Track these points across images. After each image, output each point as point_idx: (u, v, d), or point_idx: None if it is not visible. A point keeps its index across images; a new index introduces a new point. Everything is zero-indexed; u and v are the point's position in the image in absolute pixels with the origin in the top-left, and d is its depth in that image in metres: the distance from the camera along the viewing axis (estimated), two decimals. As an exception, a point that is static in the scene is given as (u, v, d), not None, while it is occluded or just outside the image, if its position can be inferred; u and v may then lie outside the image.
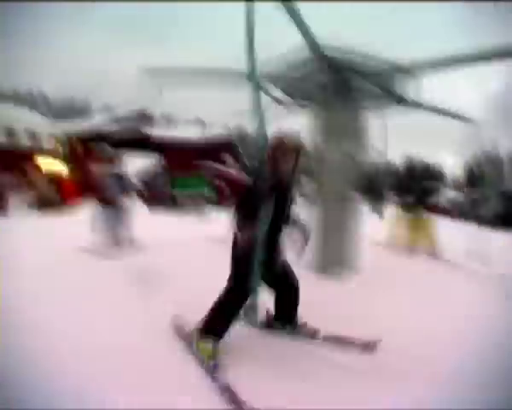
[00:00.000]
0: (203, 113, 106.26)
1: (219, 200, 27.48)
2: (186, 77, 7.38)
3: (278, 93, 8.57)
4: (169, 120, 58.75)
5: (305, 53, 6.43)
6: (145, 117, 36.99)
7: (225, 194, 27.24)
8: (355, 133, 7.73)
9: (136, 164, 29.96)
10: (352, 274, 7.21)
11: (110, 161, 9.60)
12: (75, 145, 34.49)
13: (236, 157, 38.95)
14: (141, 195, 25.97)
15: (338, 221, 7.53)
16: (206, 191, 28.66)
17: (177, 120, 61.43)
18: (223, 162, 35.20)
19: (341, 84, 7.38)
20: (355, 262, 7.53)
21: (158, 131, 33.75)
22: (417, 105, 8.48)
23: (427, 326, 4.90)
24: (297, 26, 5.23)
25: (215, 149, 34.72)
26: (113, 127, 37.58)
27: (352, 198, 7.63)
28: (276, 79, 7.83)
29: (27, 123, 33.05)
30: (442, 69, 6.88)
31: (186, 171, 28.84)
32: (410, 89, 7.85)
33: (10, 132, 30.59)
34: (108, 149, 10.09)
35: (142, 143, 32.07)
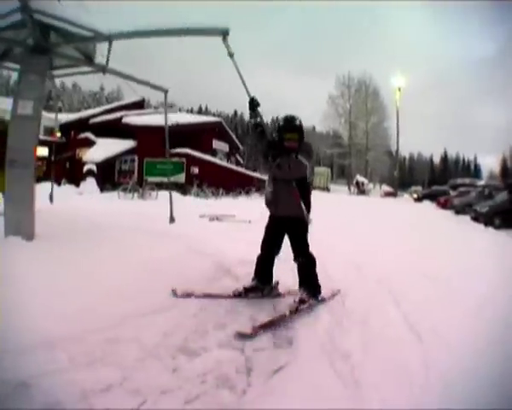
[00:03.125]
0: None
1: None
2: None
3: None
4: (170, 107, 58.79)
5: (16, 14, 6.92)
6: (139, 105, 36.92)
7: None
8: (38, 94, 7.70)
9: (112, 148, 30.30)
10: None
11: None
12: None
13: (226, 138, 39.14)
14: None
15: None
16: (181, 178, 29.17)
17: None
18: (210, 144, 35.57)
19: (40, 44, 7.50)
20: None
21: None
22: (115, 72, 9.12)
23: None
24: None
25: (203, 132, 34.71)
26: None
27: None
28: None
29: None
30: (137, 38, 7.46)
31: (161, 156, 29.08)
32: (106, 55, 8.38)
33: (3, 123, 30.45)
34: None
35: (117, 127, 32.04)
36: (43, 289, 4.76)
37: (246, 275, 5.98)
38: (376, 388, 3.32)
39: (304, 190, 5.17)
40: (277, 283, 5.68)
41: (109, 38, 7.55)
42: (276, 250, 5.51)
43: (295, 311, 4.79)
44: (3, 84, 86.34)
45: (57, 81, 10.90)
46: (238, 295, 5.44)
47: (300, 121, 5.39)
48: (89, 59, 8.81)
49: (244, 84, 6.53)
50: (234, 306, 5.13)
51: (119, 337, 3.96)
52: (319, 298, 5.25)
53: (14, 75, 10.82)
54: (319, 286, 5.29)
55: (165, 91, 10.11)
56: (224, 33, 6.85)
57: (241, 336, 4.12)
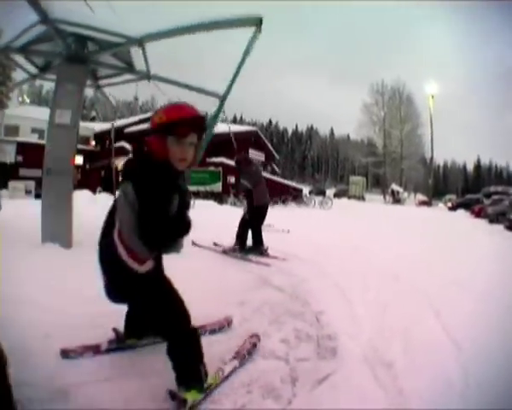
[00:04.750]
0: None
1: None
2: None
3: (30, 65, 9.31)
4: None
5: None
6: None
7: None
8: (76, 103, 7.87)
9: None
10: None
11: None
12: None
13: (262, 147, 39.17)
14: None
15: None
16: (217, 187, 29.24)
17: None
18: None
19: (76, 53, 7.77)
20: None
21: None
22: (159, 78, 9.33)
23: None
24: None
25: (239, 141, 34.81)
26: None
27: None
28: (25, 53, 8.39)
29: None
30: (168, 37, 7.50)
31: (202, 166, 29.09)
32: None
33: (41, 133, 30.97)
34: None
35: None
36: (79, 297, 4.77)
37: (289, 286, 6.03)
38: (419, 396, 3.28)
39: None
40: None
41: (141, 41, 7.54)
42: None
43: None
44: (36, 93, 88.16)
45: (91, 91, 10.97)
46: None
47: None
48: (130, 66, 8.91)
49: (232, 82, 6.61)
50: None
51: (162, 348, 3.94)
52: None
53: (46, 85, 11.04)
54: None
55: (222, 98, 9.55)
56: (257, 23, 7.00)
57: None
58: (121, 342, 3.84)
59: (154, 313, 3.05)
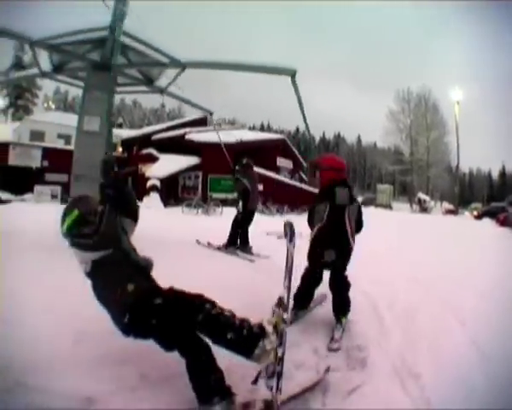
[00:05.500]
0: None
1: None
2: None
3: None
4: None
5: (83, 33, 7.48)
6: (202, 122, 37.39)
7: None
8: (105, 110, 7.99)
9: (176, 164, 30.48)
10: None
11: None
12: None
13: (290, 155, 39.04)
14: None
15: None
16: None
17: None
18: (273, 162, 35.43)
19: (104, 62, 7.95)
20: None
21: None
22: (171, 95, 10.14)
23: None
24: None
25: (267, 149, 34.65)
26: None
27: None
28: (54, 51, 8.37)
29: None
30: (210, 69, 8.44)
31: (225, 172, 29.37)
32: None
33: (67, 139, 31.33)
34: None
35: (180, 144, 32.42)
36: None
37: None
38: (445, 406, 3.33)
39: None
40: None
41: (184, 66, 7.73)
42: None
43: None
44: (61, 100, 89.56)
45: (117, 98, 11.25)
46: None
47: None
48: (149, 81, 9.07)
49: (305, 122, 6.79)
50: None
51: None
52: None
53: (72, 92, 11.26)
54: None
55: (211, 114, 11.21)
56: (292, 74, 7.15)
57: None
58: None
59: None
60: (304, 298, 5.37)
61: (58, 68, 8.70)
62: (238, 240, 9.73)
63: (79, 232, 3.22)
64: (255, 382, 3.06)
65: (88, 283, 3.40)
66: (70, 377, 3.39)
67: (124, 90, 10.50)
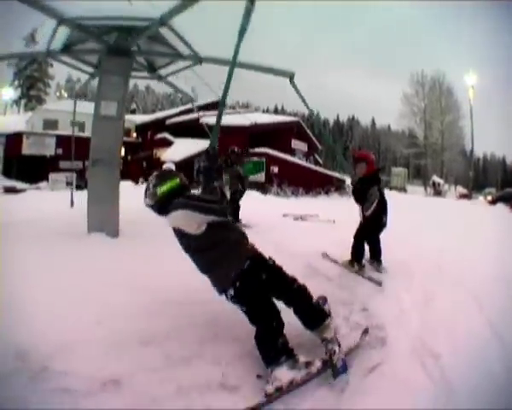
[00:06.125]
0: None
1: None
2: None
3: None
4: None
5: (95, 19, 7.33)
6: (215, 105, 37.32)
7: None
8: (121, 95, 8.02)
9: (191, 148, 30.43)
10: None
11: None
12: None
13: (304, 138, 38.84)
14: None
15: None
16: (260, 177, 29.13)
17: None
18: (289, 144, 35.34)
19: (118, 45, 7.92)
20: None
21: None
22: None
23: None
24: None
25: (281, 131, 34.51)
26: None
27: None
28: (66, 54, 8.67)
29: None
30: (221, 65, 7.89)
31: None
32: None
33: (81, 126, 31.45)
34: None
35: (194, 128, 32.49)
36: (128, 286, 4.84)
37: (337, 276, 6.27)
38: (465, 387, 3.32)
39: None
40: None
41: (201, 60, 8.31)
42: None
43: None
44: (73, 88, 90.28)
45: (131, 83, 11.18)
46: None
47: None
48: (152, 68, 9.15)
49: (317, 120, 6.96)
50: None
51: (217, 334, 3.98)
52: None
53: (84, 79, 11.24)
54: None
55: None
56: (290, 76, 7.67)
57: None
58: None
59: None
60: (361, 254, 6.94)
61: (65, 49, 8.70)
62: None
63: (184, 196, 3.75)
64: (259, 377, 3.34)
65: (112, 265, 3.46)
66: (93, 359, 3.45)
67: (169, 71, 10.42)
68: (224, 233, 3.65)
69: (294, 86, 7.68)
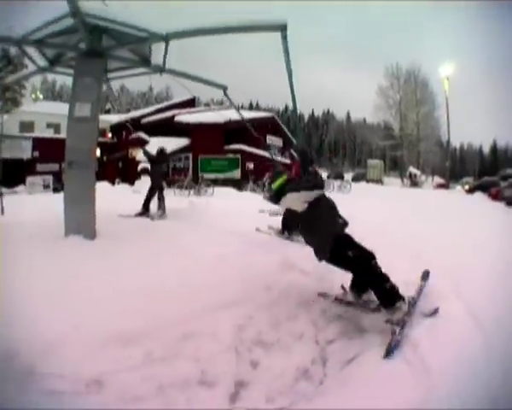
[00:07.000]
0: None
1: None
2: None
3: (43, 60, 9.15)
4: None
5: (67, 19, 7.09)
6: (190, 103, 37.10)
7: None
8: (95, 96, 7.93)
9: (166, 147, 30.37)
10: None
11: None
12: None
13: (279, 132, 38.88)
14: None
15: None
16: (235, 174, 29.19)
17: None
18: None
19: (93, 47, 7.77)
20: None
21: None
22: (172, 72, 9.44)
23: None
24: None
25: (256, 127, 34.51)
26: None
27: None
28: (41, 46, 8.30)
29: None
30: (194, 36, 7.61)
31: (215, 152, 29.43)
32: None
33: (56, 128, 31.16)
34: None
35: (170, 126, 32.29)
36: (109, 287, 4.84)
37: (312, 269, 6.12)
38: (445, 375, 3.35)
39: None
40: None
41: (166, 38, 7.57)
42: None
43: None
44: (49, 89, 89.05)
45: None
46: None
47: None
48: (145, 60, 8.99)
49: (291, 86, 6.66)
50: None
51: (194, 332, 4.01)
52: None
53: (60, 80, 11.14)
54: None
55: (224, 89, 10.48)
56: (282, 29, 6.90)
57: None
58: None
59: None
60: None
61: (55, 61, 8.66)
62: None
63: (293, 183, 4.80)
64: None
65: (91, 266, 3.47)
66: (76, 360, 3.45)
67: (120, 74, 10.36)
68: (322, 207, 4.59)
69: (285, 42, 6.93)
